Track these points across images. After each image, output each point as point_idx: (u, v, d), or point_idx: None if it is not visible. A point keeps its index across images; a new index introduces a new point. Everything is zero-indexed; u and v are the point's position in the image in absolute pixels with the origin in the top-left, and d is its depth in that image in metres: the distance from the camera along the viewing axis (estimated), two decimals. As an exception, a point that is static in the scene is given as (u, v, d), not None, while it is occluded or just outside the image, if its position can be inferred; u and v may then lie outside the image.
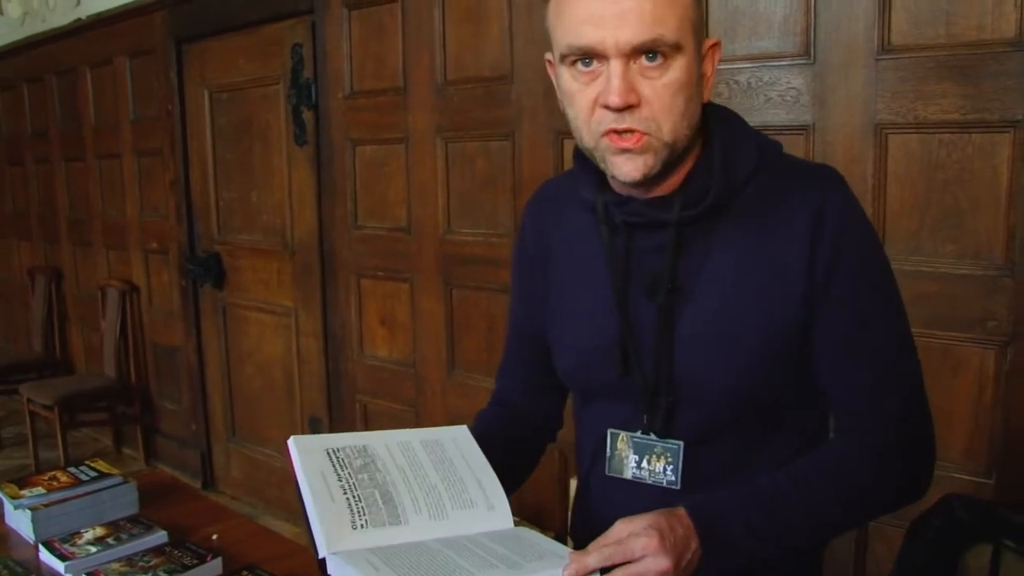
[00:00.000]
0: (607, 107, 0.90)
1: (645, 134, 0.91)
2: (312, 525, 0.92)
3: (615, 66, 0.88)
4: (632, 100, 0.89)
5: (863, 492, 0.98)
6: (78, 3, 4.03)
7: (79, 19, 4.04)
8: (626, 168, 0.93)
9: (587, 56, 0.90)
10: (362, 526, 0.93)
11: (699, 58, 0.93)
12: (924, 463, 1.01)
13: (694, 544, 0.88)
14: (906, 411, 0.99)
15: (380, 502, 0.96)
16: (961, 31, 1.60)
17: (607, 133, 0.92)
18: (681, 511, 0.90)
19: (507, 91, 2.33)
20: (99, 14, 3.89)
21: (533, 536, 0.98)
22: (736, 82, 1.88)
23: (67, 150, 4.43)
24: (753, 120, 1.13)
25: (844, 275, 0.95)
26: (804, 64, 1.79)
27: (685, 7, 0.90)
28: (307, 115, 2.98)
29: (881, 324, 0.98)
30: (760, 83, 1.85)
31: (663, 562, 0.84)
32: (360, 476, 0.98)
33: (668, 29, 0.87)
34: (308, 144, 3.01)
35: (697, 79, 0.93)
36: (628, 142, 0.91)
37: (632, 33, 0.86)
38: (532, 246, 1.16)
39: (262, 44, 3.15)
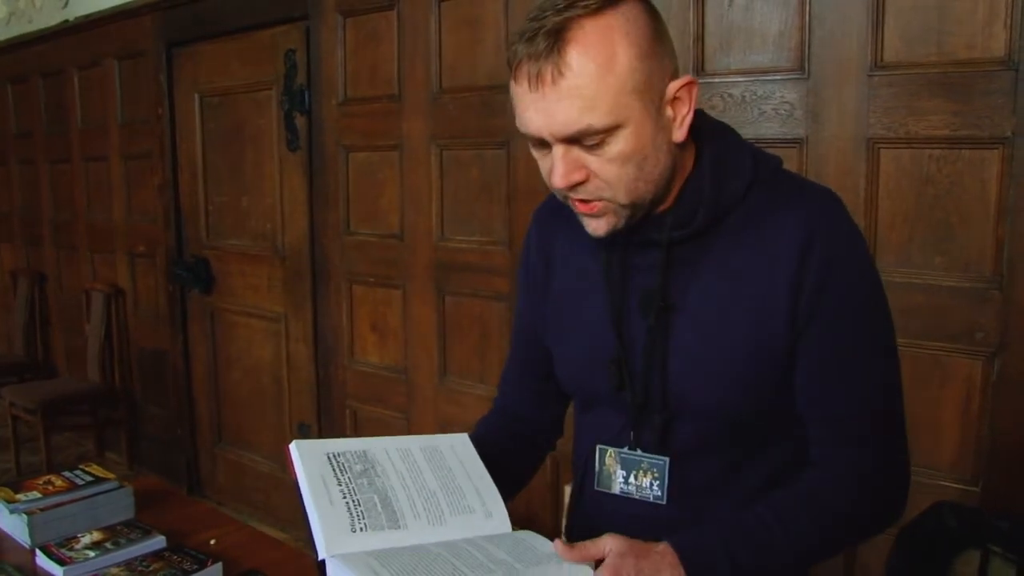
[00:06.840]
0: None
1: (600, 201, 0.95)
2: (312, 528, 0.94)
3: (556, 151, 0.92)
4: (576, 179, 0.93)
5: (843, 520, 0.99)
6: (66, 4, 4.01)
7: (66, 20, 4.01)
8: (591, 226, 0.98)
9: (535, 139, 0.94)
10: (361, 529, 0.95)
11: (656, 113, 0.92)
12: (900, 489, 1.02)
13: None
14: (883, 440, 1.00)
15: (379, 507, 0.98)
16: (952, 49, 1.64)
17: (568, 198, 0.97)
18: (664, 547, 0.92)
19: (503, 100, 2.34)
20: (87, 16, 3.87)
21: (532, 539, 0.99)
22: (730, 95, 1.91)
23: (52, 152, 4.39)
24: (746, 133, 1.14)
25: (830, 301, 0.95)
26: (798, 79, 1.82)
27: (620, 83, 0.88)
28: (300, 121, 2.98)
29: (865, 352, 0.98)
30: (754, 97, 1.88)
31: None
32: (360, 481, 1.00)
33: (597, 117, 0.88)
34: (300, 150, 3.01)
35: (655, 133, 0.93)
36: (587, 208, 0.96)
37: (561, 126, 0.90)
38: (536, 253, 1.18)
39: (255, 49, 3.15)
